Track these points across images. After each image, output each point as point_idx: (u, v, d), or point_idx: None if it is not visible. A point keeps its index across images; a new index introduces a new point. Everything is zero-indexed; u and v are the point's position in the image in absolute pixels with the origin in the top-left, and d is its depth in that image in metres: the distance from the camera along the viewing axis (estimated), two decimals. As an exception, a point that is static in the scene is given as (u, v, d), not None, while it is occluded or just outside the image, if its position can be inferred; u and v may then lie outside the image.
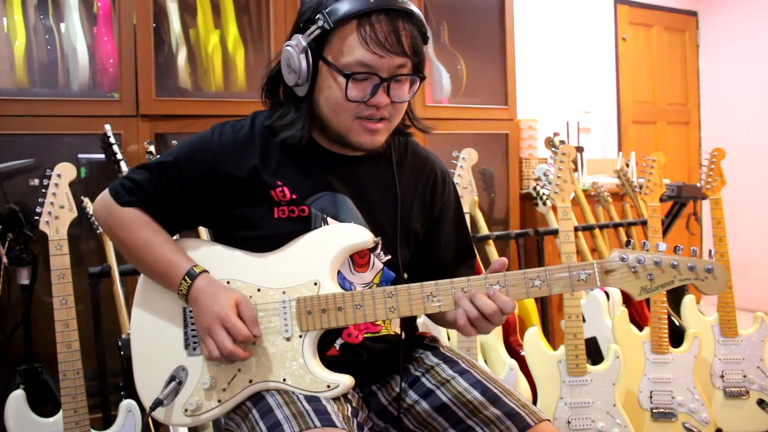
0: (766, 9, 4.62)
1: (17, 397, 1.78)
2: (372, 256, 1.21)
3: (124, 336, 2.09)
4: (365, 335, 1.21)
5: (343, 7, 1.05)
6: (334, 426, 1.02)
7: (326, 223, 1.17)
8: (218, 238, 1.21)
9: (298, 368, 1.11)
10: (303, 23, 1.11)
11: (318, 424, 1.02)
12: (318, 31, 1.07)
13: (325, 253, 1.13)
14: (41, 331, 2.14)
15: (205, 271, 1.14)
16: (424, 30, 1.12)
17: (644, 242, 1.07)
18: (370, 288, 1.20)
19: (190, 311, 1.15)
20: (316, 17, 1.07)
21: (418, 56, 1.11)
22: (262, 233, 1.16)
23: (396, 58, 1.08)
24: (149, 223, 1.18)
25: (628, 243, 1.09)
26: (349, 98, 1.08)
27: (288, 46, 1.11)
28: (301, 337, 1.12)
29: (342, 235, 1.14)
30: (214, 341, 1.07)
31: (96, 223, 2.21)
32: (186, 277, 1.12)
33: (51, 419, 1.79)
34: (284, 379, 1.11)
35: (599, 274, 1.06)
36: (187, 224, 1.24)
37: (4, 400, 1.79)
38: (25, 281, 2.20)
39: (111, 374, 2.02)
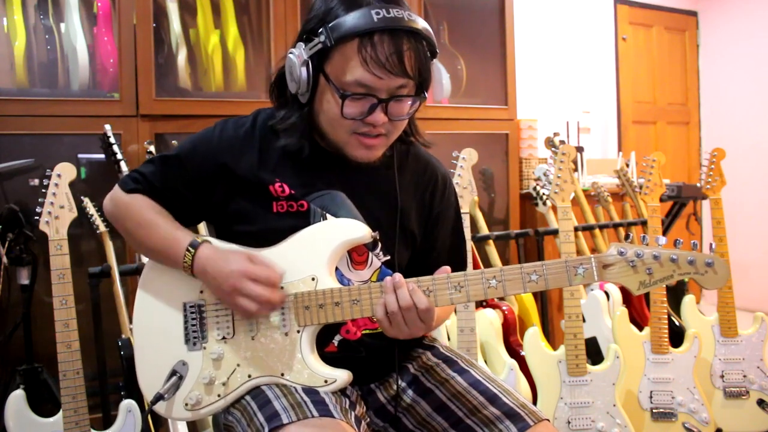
0: (766, 9, 4.62)
1: (17, 397, 1.78)
2: (371, 255, 1.21)
3: (124, 336, 2.09)
4: (363, 332, 1.21)
5: (347, 24, 1.03)
6: (332, 416, 1.03)
7: (325, 219, 1.17)
8: (219, 234, 1.22)
9: (296, 363, 1.12)
10: (306, 34, 1.10)
11: (315, 414, 1.02)
12: (319, 46, 1.06)
13: (323, 248, 1.14)
14: (41, 331, 2.14)
15: (207, 240, 1.14)
16: (432, 46, 1.11)
17: (643, 236, 1.06)
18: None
19: (191, 306, 1.16)
20: (319, 31, 1.06)
21: (422, 76, 1.09)
22: (260, 228, 1.16)
23: (396, 79, 1.06)
24: (153, 205, 1.19)
25: (626, 237, 1.08)
26: (344, 116, 1.08)
27: (291, 54, 1.11)
28: (299, 332, 1.12)
29: (339, 230, 1.14)
30: (248, 296, 1.07)
31: (96, 223, 2.21)
32: (189, 248, 1.12)
33: (51, 419, 1.79)
34: (282, 374, 1.12)
35: (597, 268, 1.05)
36: (190, 219, 1.24)
37: (4, 400, 1.79)
38: (25, 281, 2.20)
39: (111, 374, 2.02)
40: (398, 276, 1.06)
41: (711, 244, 1.07)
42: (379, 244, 1.21)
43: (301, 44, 1.09)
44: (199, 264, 1.12)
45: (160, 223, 1.17)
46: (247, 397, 1.13)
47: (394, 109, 1.10)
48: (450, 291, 1.08)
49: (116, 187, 1.23)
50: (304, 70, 1.08)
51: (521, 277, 1.06)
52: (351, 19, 1.03)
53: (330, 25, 1.05)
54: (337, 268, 1.17)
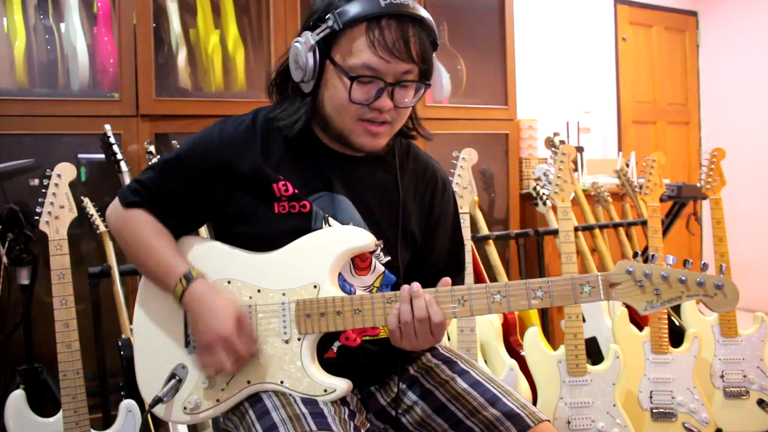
0: (766, 9, 4.62)
1: (17, 397, 1.78)
2: (373, 258, 1.20)
3: (124, 336, 2.09)
4: (364, 338, 1.20)
5: (354, 9, 1.05)
6: (330, 430, 1.02)
7: (327, 222, 1.16)
8: (219, 235, 1.21)
9: (296, 371, 1.11)
10: (313, 21, 1.11)
11: (314, 427, 1.02)
12: (327, 31, 1.07)
13: (326, 256, 1.12)
14: (41, 331, 2.14)
15: (202, 276, 1.13)
16: (434, 36, 1.12)
17: (653, 255, 1.04)
18: (370, 291, 1.20)
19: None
20: (327, 17, 1.07)
21: (426, 63, 1.11)
22: (261, 229, 1.15)
23: (402, 64, 1.08)
24: (152, 223, 1.18)
25: (635, 255, 1.05)
26: (352, 100, 1.08)
27: (297, 42, 1.11)
28: (299, 340, 1.12)
29: (343, 238, 1.13)
30: (214, 361, 1.08)
31: (96, 223, 2.21)
32: (182, 280, 1.11)
33: (51, 419, 1.79)
34: (282, 382, 1.11)
35: (603, 286, 1.03)
36: (193, 222, 1.23)
37: (4, 400, 1.79)
38: (25, 281, 2.20)
39: (111, 374, 2.02)
40: (416, 285, 1.06)
41: (722, 266, 1.04)
42: (380, 245, 1.21)
43: (307, 32, 1.10)
44: (189, 300, 1.11)
45: (157, 246, 1.16)
46: (246, 404, 1.12)
47: (400, 95, 1.11)
48: (453, 305, 1.06)
49: (117, 200, 1.22)
50: (310, 55, 1.09)
51: (526, 293, 1.05)
52: (359, 5, 1.05)
53: (338, 10, 1.06)
54: (340, 273, 1.16)
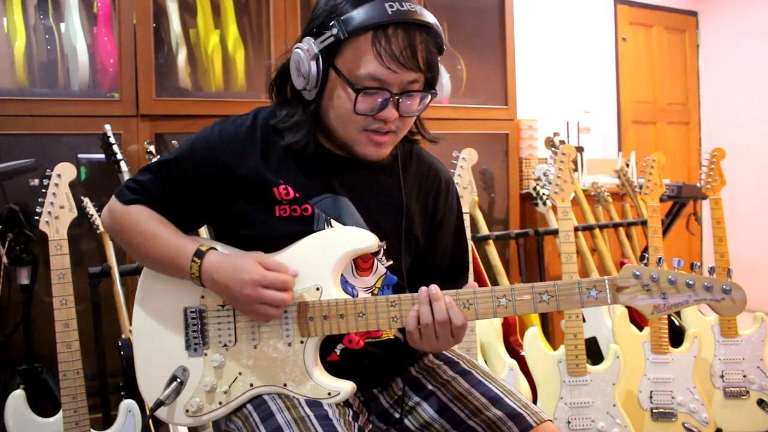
0: (766, 9, 4.62)
1: (17, 397, 1.78)
2: (376, 261, 1.19)
3: (124, 336, 2.09)
4: (366, 340, 1.19)
5: (359, 17, 1.02)
6: (336, 431, 1.02)
7: (329, 224, 1.14)
8: (219, 237, 1.20)
9: (299, 374, 1.10)
10: (316, 28, 1.07)
11: (319, 429, 1.01)
12: (331, 39, 1.04)
13: (329, 257, 1.11)
14: (41, 331, 2.14)
15: (212, 248, 1.11)
16: (440, 42, 1.10)
17: (660, 258, 1.03)
18: (371, 292, 1.19)
19: (192, 311, 1.14)
20: (330, 24, 1.04)
21: (432, 71, 1.09)
22: (262, 233, 1.14)
23: (409, 74, 1.05)
24: (153, 215, 1.16)
25: (641, 258, 1.05)
26: (357, 111, 1.06)
27: (298, 49, 1.08)
28: (302, 342, 1.11)
29: (346, 239, 1.12)
30: (267, 303, 1.06)
31: (96, 223, 2.21)
32: (195, 258, 1.09)
33: (51, 419, 1.79)
34: (285, 384, 1.11)
35: (610, 291, 1.03)
36: (192, 224, 1.22)
37: (4, 400, 1.79)
38: (25, 281, 2.20)
39: (111, 374, 2.02)
40: (435, 288, 1.04)
41: (729, 269, 1.03)
42: (382, 250, 1.20)
43: (310, 39, 1.07)
44: (207, 274, 1.09)
45: (162, 233, 1.14)
46: (249, 407, 1.12)
47: (405, 105, 1.09)
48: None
49: (113, 199, 1.19)
50: (313, 64, 1.06)
51: (532, 297, 1.05)
52: (364, 12, 1.02)
53: (342, 18, 1.03)
54: (341, 274, 1.15)
